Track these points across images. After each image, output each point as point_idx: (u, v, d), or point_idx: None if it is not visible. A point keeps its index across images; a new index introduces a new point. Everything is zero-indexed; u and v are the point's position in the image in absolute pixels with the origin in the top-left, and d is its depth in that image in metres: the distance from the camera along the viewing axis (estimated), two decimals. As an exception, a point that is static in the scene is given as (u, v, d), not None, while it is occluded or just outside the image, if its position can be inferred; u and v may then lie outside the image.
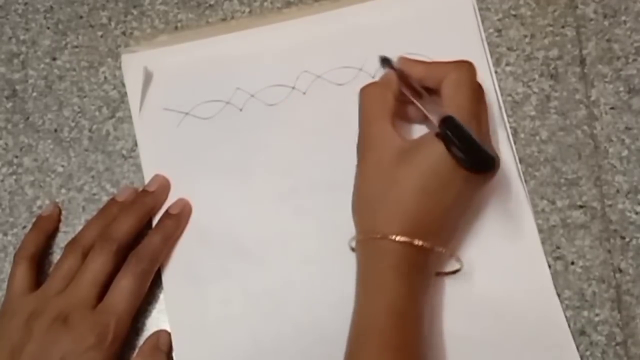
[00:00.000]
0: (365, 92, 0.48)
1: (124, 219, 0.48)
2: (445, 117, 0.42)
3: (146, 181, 0.51)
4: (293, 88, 0.53)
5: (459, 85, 0.45)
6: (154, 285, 0.49)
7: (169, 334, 0.48)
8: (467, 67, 0.46)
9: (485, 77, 0.52)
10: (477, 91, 0.46)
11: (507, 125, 0.51)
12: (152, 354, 0.47)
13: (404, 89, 0.47)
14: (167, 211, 0.50)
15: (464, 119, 0.42)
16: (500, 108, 0.51)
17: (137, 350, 0.48)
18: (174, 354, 0.48)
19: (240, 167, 0.51)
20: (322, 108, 0.52)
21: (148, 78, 0.53)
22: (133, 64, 0.54)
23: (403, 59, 0.49)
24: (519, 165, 0.50)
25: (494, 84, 0.52)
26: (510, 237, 0.49)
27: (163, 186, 0.51)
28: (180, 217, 0.50)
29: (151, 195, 0.50)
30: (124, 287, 0.46)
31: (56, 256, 0.51)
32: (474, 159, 0.42)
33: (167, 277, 0.50)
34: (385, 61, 0.50)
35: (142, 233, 0.50)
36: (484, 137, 0.45)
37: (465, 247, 0.48)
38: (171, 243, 0.49)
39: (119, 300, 0.46)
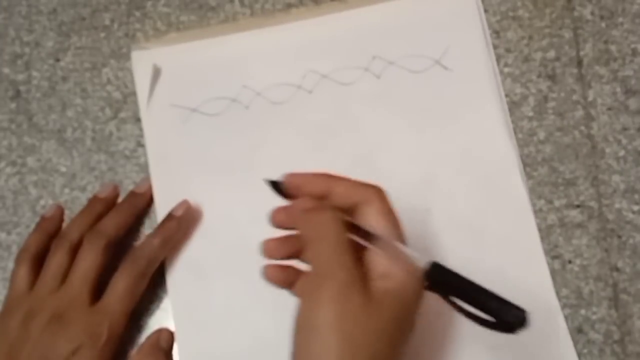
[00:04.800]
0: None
1: (112, 215, 0.49)
2: (433, 265, 0.37)
3: (152, 177, 0.52)
4: (299, 87, 0.53)
5: (387, 213, 0.39)
6: (157, 284, 0.50)
7: (171, 332, 0.49)
8: (384, 195, 0.40)
9: (490, 78, 0.52)
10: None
11: (510, 125, 0.52)
12: (152, 353, 0.47)
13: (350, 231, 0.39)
14: (169, 213, 0.50)
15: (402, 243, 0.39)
16: (504, 108, 0.52)
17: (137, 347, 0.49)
18: (177, 348, 0.49)
19: (245, 164, 0.52)
20: (328, 107, 0.53)
21: (156, 74, 0.54)
22: (143, 61, 0.54)
23: (294, 177, 0.41)
24: (521, 165, 0.51)
25: (497, 85, 0.52)
26: (511, 236, 0.49)
27: (149, 187, 0.52)
28: (182, 219, 0.50)
29: (139, 194, 0.51)
30: (120, 288, 0.46)
31: (59, 255, 0.52)
32: (504, 318, 0.36)
33: (171, 273, 0.50)
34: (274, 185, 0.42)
35: (134, 230, 0.51)
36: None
37: (466, 247, 0.49)
38: (172, 244, 0.50)
39: (114, 301, 0.46)
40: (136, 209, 0.51)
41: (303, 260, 0.41)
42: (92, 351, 0.44)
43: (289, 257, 0.41)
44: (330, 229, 0.38)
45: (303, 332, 0.37)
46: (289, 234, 0.41)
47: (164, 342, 0.48)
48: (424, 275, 0.37)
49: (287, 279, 0.41)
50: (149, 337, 0.48)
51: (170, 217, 0.50)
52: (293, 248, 0.40)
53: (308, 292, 0.38)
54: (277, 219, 0.41)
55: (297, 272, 0.41)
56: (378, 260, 0.38)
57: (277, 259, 0.41)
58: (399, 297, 0.37)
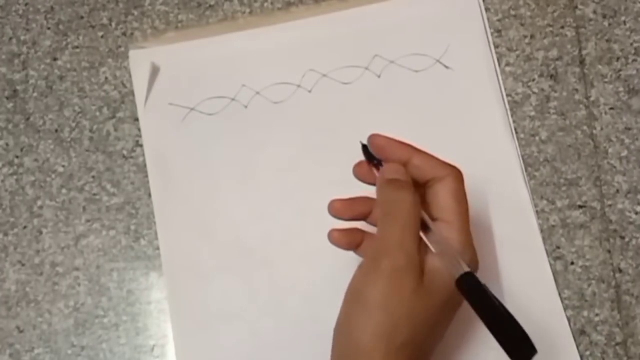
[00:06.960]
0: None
1: None
2: (464, 275, 0.38)
3: (149, 176, 0.52)
4: (298, 86, 0.53)
5: (459, 196, 0.40)
6: (155, 286, 0.50)
7: None
8: (461, 177, 0.41)
9: (491, 77, 0.52)
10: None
11: (512, 124, 0.51)
12: None
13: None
14: None
15: (466, 233, 0.40)
16: (505, 107, 0.52)
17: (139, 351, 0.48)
18: (176, 348, 0.48)
19: (243, 163, 0.52)
20: (327, 106, 0.53)
21: (154, 72, 0.54)
22: (141, 60, 0.54)
23: (379, 138, 0.42)
24: (522, 165, 0.50)
25: (499, 84, 0.52)
26: (512, 237, 0.49)
27: None
28: None
29: None
30: None
31: (57, 256, 0.51)
32: (517, 347, 0.37)
33: (169, 273, 0.50)
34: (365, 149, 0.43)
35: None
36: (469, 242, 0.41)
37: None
38: None
39: None
40: None
41: (370, 223, 0.42)
42: None
43: (355, 219, 0.42)
44: (404, 209, 0.39)
45: (352, 299, 0.39)
46: (356, 197, 0.42)
47: None
48: (455, 282, 0.38)
49: (352, 242, 0.42)
50: None
51: None
52: (360, 210, 0.42)
53: (366, 264, 0.39)
54: (360, 171, 0.42)
55: (363, 234, 0.42)
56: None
57: (343, 219, 0.42)
58: (445, 285, 0.38)
